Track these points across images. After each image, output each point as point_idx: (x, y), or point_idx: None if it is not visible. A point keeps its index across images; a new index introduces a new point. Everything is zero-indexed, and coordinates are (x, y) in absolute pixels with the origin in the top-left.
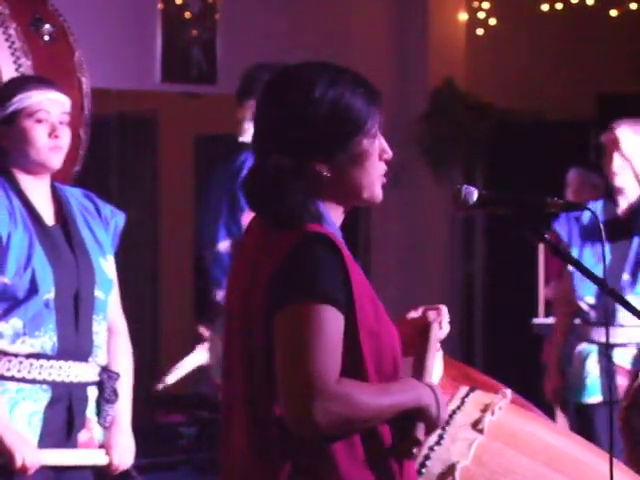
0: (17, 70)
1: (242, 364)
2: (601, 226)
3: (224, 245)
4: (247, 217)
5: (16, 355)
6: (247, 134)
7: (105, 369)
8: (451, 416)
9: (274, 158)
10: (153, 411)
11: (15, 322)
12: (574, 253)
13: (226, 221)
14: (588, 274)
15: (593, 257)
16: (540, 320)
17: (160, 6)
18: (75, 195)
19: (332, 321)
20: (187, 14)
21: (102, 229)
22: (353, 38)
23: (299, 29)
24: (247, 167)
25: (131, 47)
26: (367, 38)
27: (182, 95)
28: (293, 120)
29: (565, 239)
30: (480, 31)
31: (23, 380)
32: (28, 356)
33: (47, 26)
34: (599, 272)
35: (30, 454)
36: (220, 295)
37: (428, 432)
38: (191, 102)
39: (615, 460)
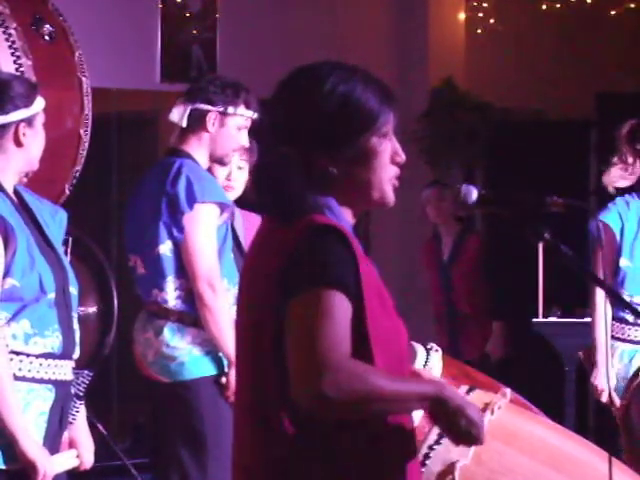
0: (17, 70)
1: (249, 364)
2: (601, 226)
3: (165, 247)
4: (187, 219)
5: (27, 355)
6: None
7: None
8: None
9: (279, 149)
10: None
11: (24, 323)
12: (627, 247)
13: (167, 223)
14: (589, 275)
15: None
16: (540, 320)
17: (160, 5)
18: (19, 190)
19: (341, 306)
20: (187, 13)
21: (53, 223)
22: (353, 37)
23: (299, 28)
24: (184, 172)
25: (131, 47)
26: (367, 37)
27: (182, 94)
28: (301, 113)
29: (617, 233)
30: (480, 30)
31: (33, 380)
32: (38, 356)
33: (47, 26)
34: None
35: (50, 466)
36: (161, 296)
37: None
38: None
39: (614, 459)
